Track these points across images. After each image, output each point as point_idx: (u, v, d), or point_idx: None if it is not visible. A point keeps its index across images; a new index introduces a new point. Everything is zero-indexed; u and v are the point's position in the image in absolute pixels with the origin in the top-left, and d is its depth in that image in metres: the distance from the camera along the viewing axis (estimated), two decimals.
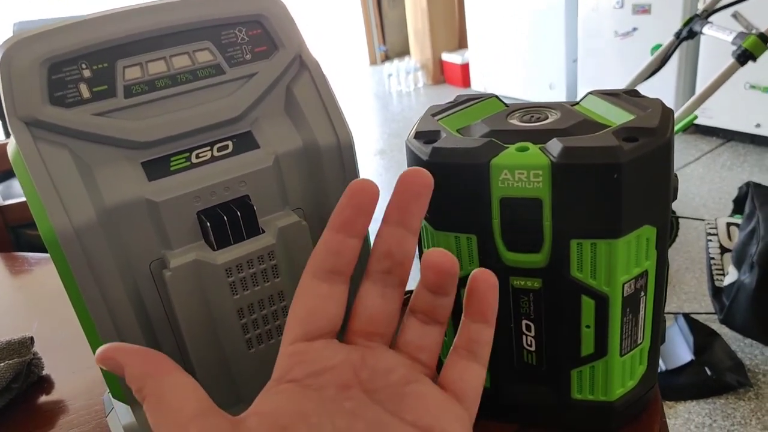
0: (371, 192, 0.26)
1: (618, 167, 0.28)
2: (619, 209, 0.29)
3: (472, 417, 0.27)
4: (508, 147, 0.30)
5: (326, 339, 0.26)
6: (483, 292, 0.26)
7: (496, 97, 0.37)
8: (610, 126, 0.31)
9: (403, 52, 4.26)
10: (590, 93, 0.35)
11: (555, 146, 0.29)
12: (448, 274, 0.26)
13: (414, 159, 0.33)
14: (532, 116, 0.34)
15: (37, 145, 0.29)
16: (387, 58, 4.44)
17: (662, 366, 1.41)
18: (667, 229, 0.33)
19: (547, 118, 0.33)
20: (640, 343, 0.35)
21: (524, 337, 0.35)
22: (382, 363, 0.26)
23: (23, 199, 0.91)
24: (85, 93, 0.30)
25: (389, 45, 4.45)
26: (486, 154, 0.30)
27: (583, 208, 0.30)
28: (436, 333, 0.28)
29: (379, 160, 2.85)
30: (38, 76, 0.29)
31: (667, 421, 1.34)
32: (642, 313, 0.34)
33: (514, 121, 0.33)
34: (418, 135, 0.33)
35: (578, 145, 0.29)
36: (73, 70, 0.30)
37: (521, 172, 0.30)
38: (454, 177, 0.31)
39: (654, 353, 0.37)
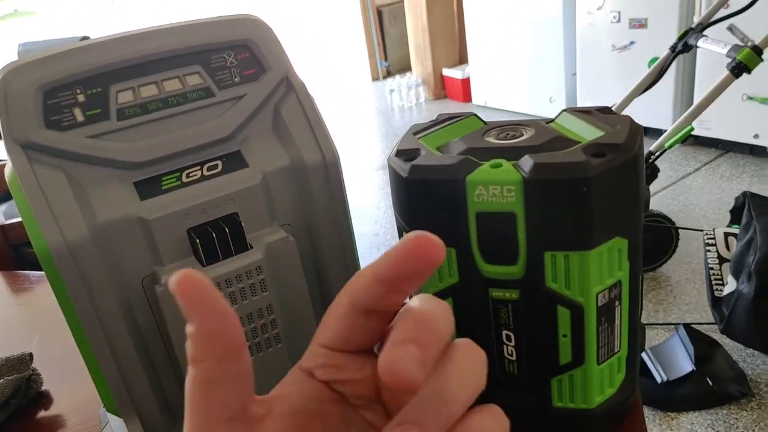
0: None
1: (586, 181, 0.29)
2: (590, 222, 0.31)
3: None
4: (482, 164, 0.32)
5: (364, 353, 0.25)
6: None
7: (475, 115, 0.39)
8: (581, 142, 0.33)
9: (405, 67, 4.30)
10: (564, 110, 0.37)
11: (527, 162, 0.31)
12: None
13: (395, 176, 0.34)
14: (508, 134, 0.35)
15: (33, 166, 0.31)
16: (389, 73, 4.48)
17: (663, 376, 1.40)
18: (639, 240, 0.34)
19: (521, 135, 0.35)
20: (618, 352, 0.36)
21: (505, 347, 0.36)
22: None
23: None
24: (80, 116, 0.32)
25: (391, 61, 4.50)
26: (462, 170, 0.32)
27: (555, 221, 0.31)
28: None
29: (381, 175, 2.86)
30: (34, 101, 0.31)
31: None
32: (618, 322, 0.35)
33: (490, 139, 0.35)
34: (399, 153, 0.35)
35: (548, 161, 0.30)
36: (68, 95, 0.32)
37: (495, 187, 0.31)
38: (433, 193, 0.33)
39: (632, 361, 0.37)
